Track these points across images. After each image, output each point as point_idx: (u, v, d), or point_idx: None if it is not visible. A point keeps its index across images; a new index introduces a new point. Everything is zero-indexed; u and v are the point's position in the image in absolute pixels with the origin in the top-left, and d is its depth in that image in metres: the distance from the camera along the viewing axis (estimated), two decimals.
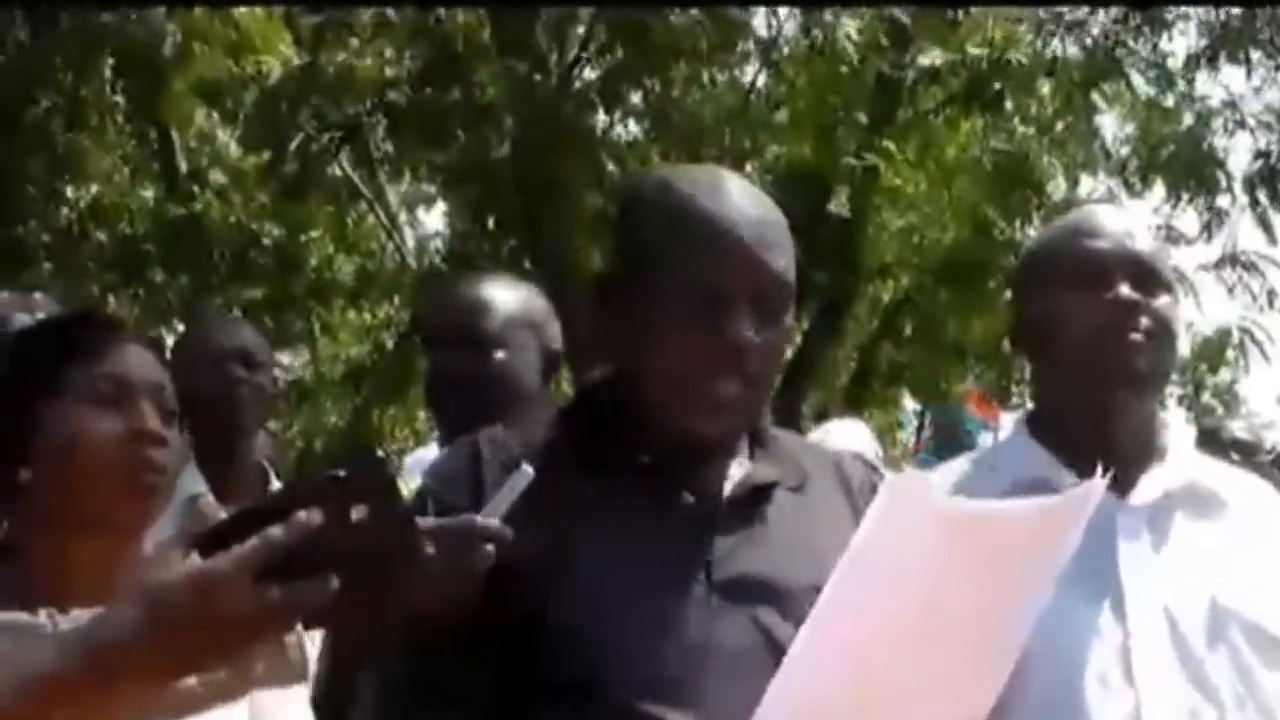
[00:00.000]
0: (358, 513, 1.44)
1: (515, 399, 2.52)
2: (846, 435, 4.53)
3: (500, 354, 2.62)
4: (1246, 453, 4.52)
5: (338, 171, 11.49)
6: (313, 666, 1.98)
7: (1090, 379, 2.00)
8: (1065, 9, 9.02)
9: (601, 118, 9.83)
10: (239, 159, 12.36)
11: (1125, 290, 1.99)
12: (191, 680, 1.51)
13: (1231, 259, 11.22)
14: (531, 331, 2.66)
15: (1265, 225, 10.22)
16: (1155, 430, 2.06)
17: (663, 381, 1.71)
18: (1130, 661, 1.91)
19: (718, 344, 1.69)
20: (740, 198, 1.75)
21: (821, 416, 10.08)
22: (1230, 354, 12.53)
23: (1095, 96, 9.67)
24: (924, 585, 1.64)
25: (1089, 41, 9.07)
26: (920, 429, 13.57)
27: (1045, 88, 9.69)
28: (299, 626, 1.68)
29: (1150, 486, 2.01)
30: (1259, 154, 10.13)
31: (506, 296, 2.69)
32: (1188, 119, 10.30)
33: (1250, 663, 1.95)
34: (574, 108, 9.26)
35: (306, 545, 1.40)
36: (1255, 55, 9.59)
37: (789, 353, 5.16)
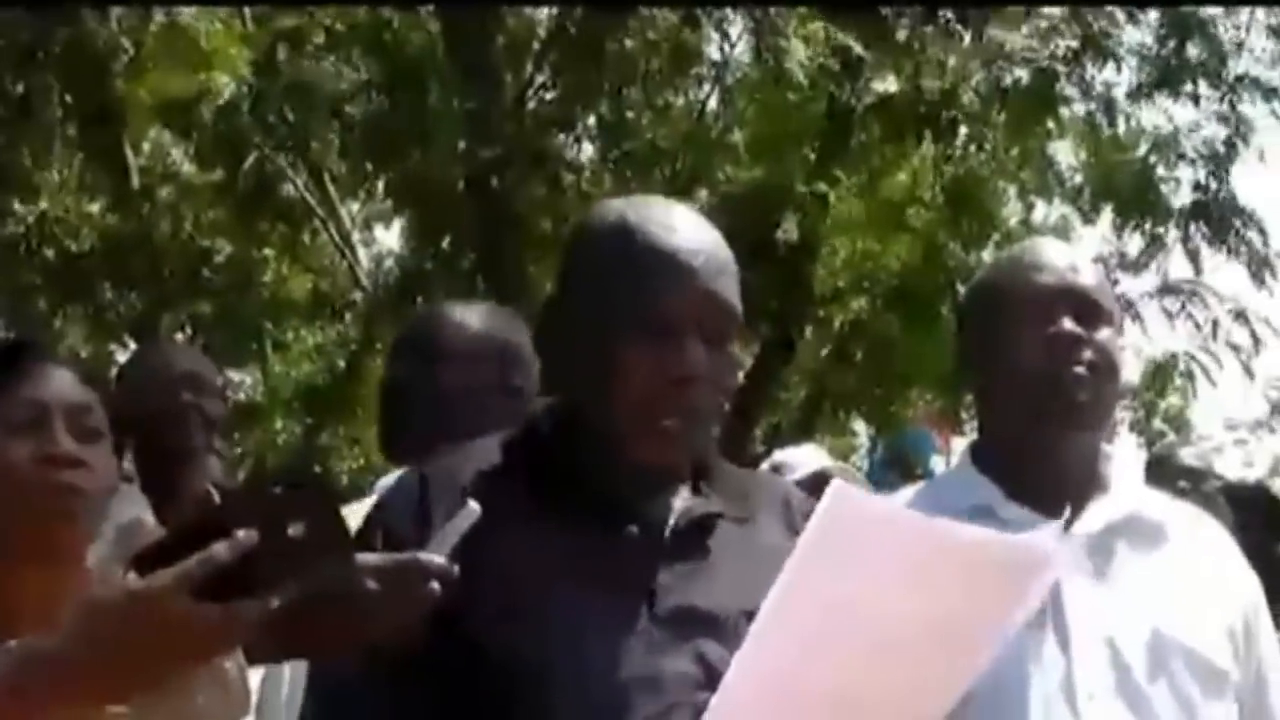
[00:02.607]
0: (295, 529, 1.43)
1: (459, 422, 2.42)
2: (804, 460, 4.51)
3: (449, 373, 2.56)
4: (1195, 480, 4.54)
5: (291, 190, 11.40)
6: (254, 698, 1.96)
7: (1033, 412, 2.03)
8: (1019, 41, 9.06)
9: (556, 140, 9.80)
10: (192, 175, 12.26)
11: (1068, 324, 2.02)
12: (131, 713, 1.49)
13: (1174, 288, 11.34)
14: (492, 360, 2.58)
15: (1194, 258, 10.40)
16: (1098, 462, 2.09)
17: (611, 412, 1.71)
18: (1074, 691, 1.94)
19: (667, 375, 1.69)
20: (689, 229, 1.76)
21: (774, 442, 10.08)
22: (1179, 380, 12.62)
23: (1048, 123, 9.76)
24: (865, 600, 1.63)
25: (1038, 71, 9.13)
26: (873, 453, 13.61)
27: (1001, 117, 9.76)
28: (241, 659, 1.66)
29: (1093, 518, 2.03)
30: (1197, 186, 10.30)
31: (475, 319, 2.62)
32: (1142, 148, 10.43)
33: (1192, 693, 1.97)
34: (529, 129, 9.24)
35: (245, 564, 1.39)
36: (1201, 87, 9.71)
37: (740, 378, 5.15)
